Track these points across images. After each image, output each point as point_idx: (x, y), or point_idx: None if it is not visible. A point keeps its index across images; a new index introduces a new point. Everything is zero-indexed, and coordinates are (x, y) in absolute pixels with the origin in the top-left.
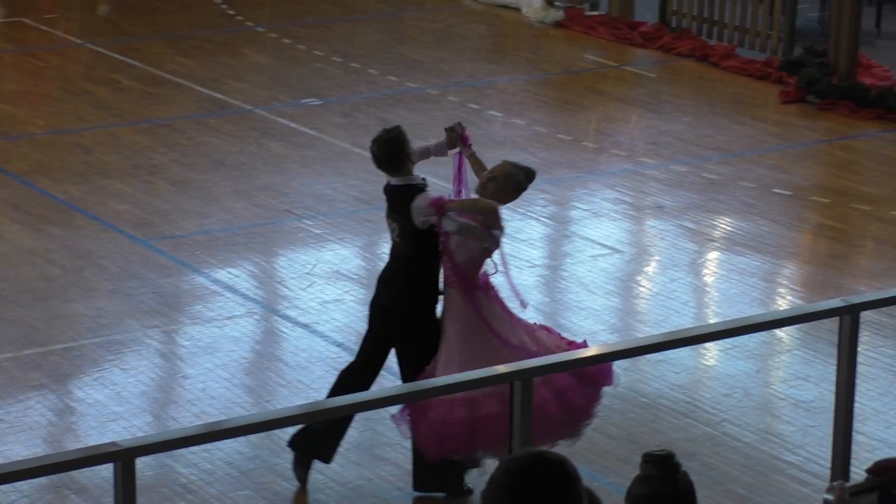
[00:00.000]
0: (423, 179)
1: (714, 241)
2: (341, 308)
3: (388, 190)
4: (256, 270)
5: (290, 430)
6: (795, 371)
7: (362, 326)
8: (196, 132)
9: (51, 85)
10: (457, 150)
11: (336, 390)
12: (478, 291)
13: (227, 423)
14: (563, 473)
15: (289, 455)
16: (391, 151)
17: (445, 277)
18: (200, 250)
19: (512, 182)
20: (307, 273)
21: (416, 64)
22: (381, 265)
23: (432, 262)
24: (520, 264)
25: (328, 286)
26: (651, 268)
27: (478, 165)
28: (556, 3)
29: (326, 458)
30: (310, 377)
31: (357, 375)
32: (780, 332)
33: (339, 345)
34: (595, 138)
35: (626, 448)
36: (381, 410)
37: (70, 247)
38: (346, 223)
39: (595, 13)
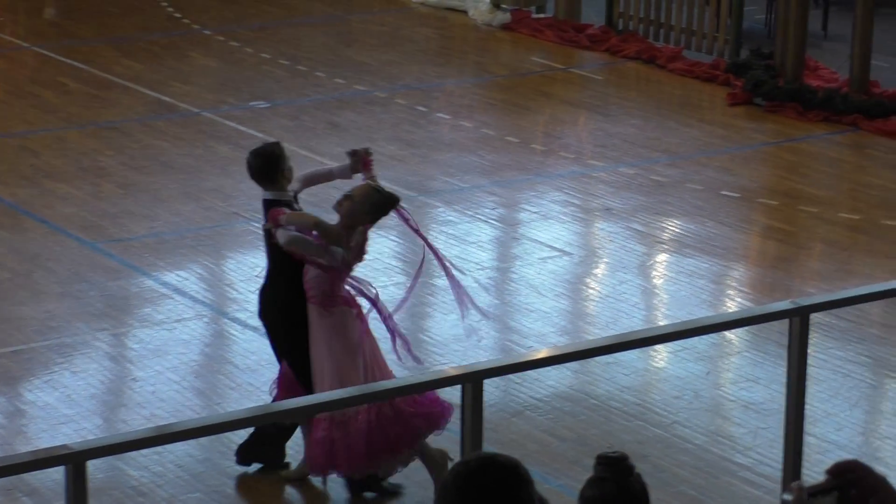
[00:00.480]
0: (294, 195)
1: (663, 243)
2: None
3: (263, 203)
4: (205, 273)
5: (241, 436)
6: (745, 373)
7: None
8: (143, 135)
9: None
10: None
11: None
12: (336, 308)
13: (177, 426)
14: (515, 476)
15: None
16: (265, 165)
17: (306, 294)
18: (149, 253)
19: (367, 204)
20: (256, 276)
21: (363, 66)
22: None
23: (295, 278)
24: (469, 266)
25: None
26: (600, 270)
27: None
28: (503, 6)
29: (278, 460)
30: (260, 380)
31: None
32: (729, 335)
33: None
34: (543, 141)
35: (576, 450)
36: None
37: (18, 250)
38: None
39: (542, 16)
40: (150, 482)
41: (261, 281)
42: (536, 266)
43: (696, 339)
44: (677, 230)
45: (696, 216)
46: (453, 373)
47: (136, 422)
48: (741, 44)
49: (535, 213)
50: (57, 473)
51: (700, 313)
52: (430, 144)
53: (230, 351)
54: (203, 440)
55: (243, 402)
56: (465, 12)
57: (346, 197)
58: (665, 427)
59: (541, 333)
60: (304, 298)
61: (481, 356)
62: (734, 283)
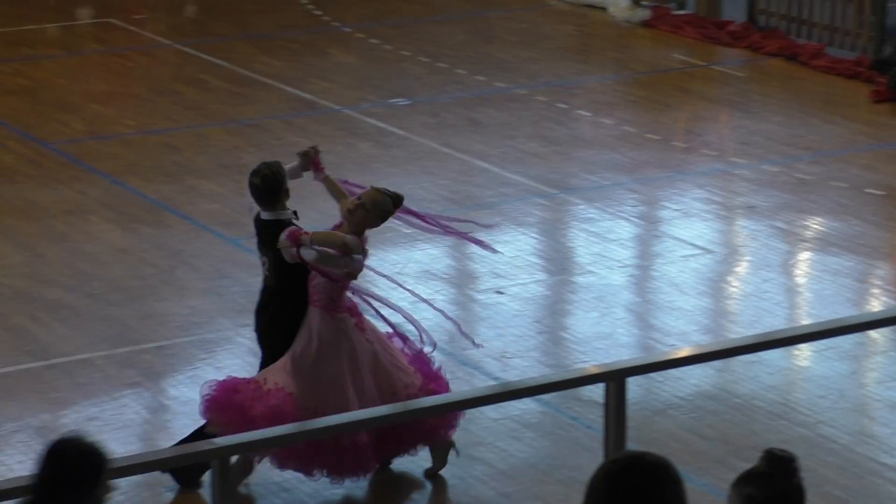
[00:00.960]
0: (294, 213)
1: (806, 241)
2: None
3: (259, 223)
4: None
5: None
6: (891, 373)
7: (453, 326)
8: (284, 132)
9: (140, 85)
10: (314, 172)
11: None
12: (338, 314)
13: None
14: (664, 475)
15: None
16: (273, 187)
17: (309, 297)
18: None
19: (379, 210)
20: (397, 272)
21: (503, 63)
22: (471, 265)
23: (301, 295)
24: (610, 264)
25: (418, 285)
26: (743, 268)
27: (334, 188)
28: (643, 3)
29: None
30: None
31: None
32: (874, 334)
33: (431, 344)
34: (684, 138)
35: (720, 449)
36: (474, 411)
37: (161, 246)
38: None
39: (682, 12)
40: (295, 478)
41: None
42: (678, 264)
43: (840, 338)
44: (821, 228)
45: (841, 214)
46: (595, 371)
47: None
48: (884, 40)
49: (676, 210)
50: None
51: (844, 312)
52: (570, 141)
53: None
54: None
55: None
56: (604, 9)
57: (359, 206)
58: (810, 427)
59: (683, 332)
60: (299, 320)
61: (623, 354)
62: (879, 282)
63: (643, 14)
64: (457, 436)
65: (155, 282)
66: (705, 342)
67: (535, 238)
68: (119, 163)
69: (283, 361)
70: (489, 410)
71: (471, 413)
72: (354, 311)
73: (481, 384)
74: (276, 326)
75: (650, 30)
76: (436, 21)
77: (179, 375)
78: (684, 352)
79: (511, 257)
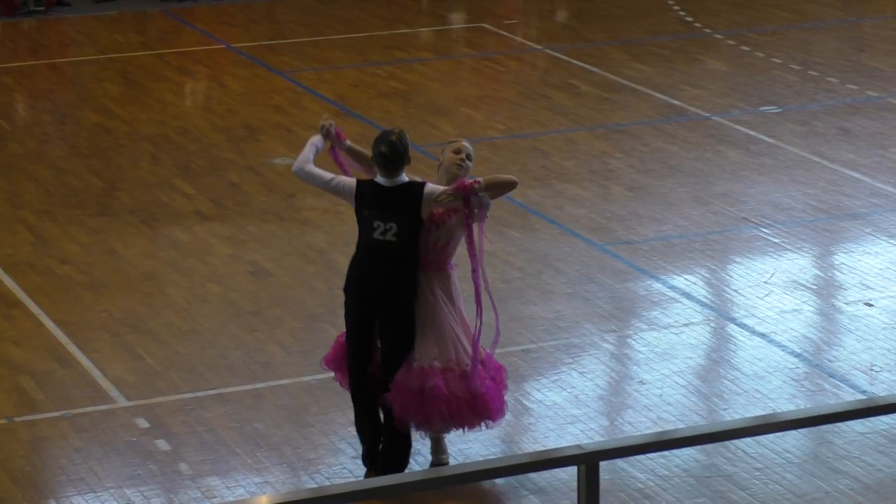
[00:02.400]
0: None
1: None
2: (799, 318)
3: (385, 192)
4: (712, 278)
5: (747, 443)
6: None
7: (821, 338)
8: (653, 138)
9: (509, 90)
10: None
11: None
12: (452, 271)
13: (684, 432)
14: None
15: (745, 464)
16: (404, 154)
17: (423, 262)
18: (657, 256)
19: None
20: (765, 282)
21: (876, 72)
22: (839, 276)
23: (417, 255)
24: None
25: (786, 296)
26: None
27: (358, 153)
28: None
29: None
30: (767, 387)
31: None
32: None
33: (797, 355)
34: None
35: None
36: (840, 425)
37: (528, 250)
38: (803, 232)
39: None
40: (656, 485)
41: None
42: None
43: None
44: None
45: None
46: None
47: (642, 424)
48: None
49: None
50: (563, 473)
51: None
52: None
53: (736, 357)
54: (708, 445)
55: (749, 408)
56: None
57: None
58: None
59: None
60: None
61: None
62: None
63: None
64: (821, 448)
65: (521, 285)
66: None
67: None
68: (488, 166)
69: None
70: (855, 424)
71: (836, 427)
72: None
73: (848, 397)
74: (405, 298)
75: None
76: (807, 28)
77: (543, 379)
78: None
79: (881, 269)
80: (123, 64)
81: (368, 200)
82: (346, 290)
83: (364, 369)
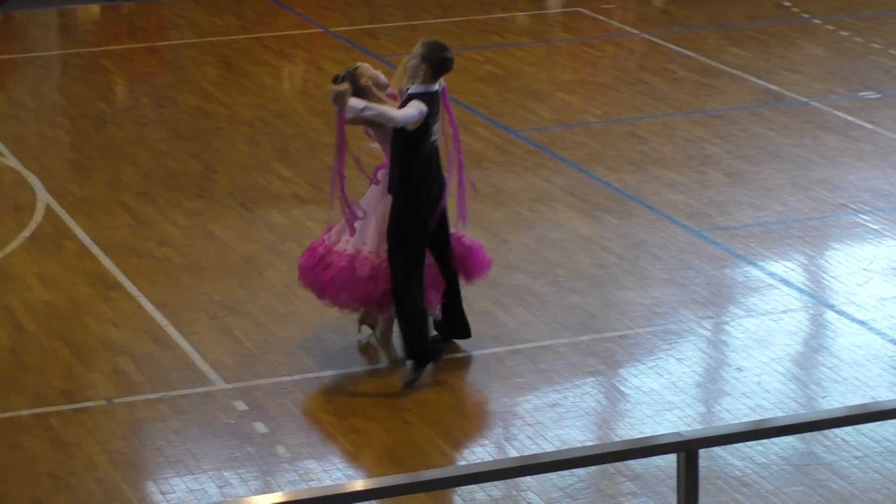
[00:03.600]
0: None
1: None
2: None
3: (435, 96)
4: (811, 264)
5: (847, 431)
6: None
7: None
8: (750, 124)
9: (606, 74)
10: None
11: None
12: None
13: (782, 420)
14: None
15: (844, 453)
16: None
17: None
18: (755, 242)
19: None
20: (864, 269)
21: None
22: None
23: None
24: None
25: (885, 283)
26: None
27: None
28: None
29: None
30: (866, 374)
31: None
32: None
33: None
34: None
35: None
36: None
37: (625, 235)
38: None
39: None
40: (754, 473)
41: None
42: None
43: None
44: None
45: None
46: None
47: (740, 412)
48: None
49: None
50: (660, 460)
51: None
52: None
53: (836, 344)
54: (807, 433)
55: (848, 396)
56: None
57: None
58: None
59: None
60: None
61: None
62: None
63: None
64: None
65: (618, 271)
66: None
67: None
68: (585, 151)
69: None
70: None
71: None
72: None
73: None
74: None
75: None
76: None
77: (640, 365)
78: None
79: None
80: (222, 47)
81: (431, 109)
82: (420, 204)
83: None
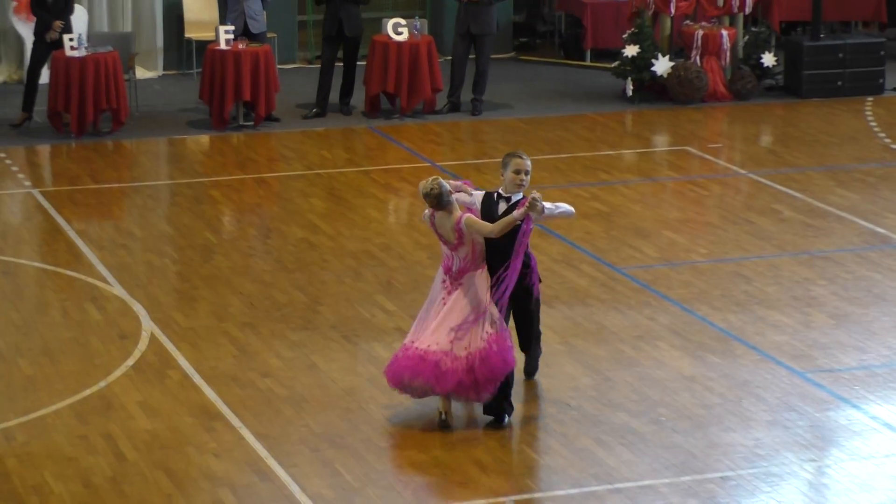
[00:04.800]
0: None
1: None
2: None
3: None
4: None
5: None
6: None
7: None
8: (856, 266)
9: (712, 213)
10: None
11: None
12: None
13: None
14: None
15: None
16: None
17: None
18: (859, 385)
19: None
20: None
21: None
22: None
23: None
24: None
25: None
26: None
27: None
28: None
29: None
30: None
31: None
32: None
33: None
34: None
35: None
36: None
37: (728, 375)
38: None
39: None
40: None
41: None
42: None
43: None
44: None
45: None
46: None
47: None
48: None
49: None
50: None
51: None
52: None
53: None
54: None
55: None
56: None
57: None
58: None
59: None
60: None
61: None
62: None
63: None
64: None
65: (721, 411)
66: None
67: None
68: (690, 290)
69: None
70: None
71: None
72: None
73: None
74: None
75: None
76: None
77: None
78: None
79: None
80: (329, 179)
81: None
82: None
83: None
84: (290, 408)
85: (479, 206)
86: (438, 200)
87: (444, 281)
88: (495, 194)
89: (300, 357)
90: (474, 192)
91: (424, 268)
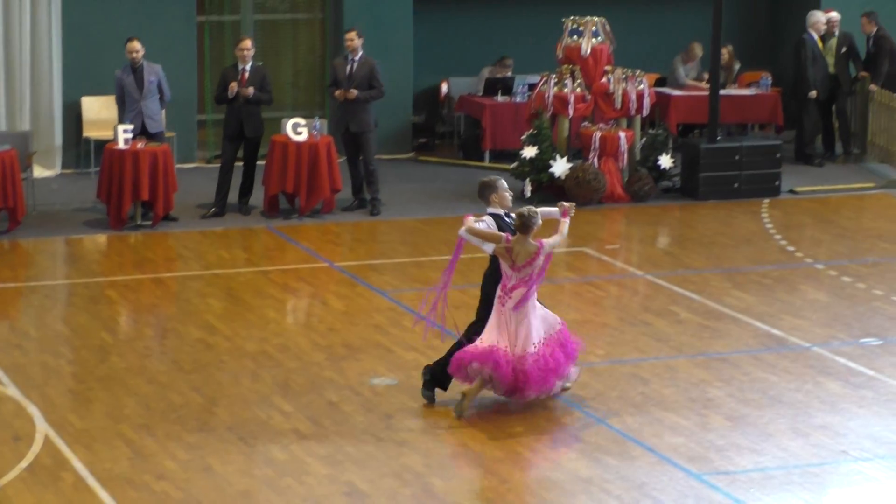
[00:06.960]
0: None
1: None
2: None
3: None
4: None
5: None
6: None
7: None
8: (752, 367)
9: (610, 315)
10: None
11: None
12: None
13: None
14: None
15: None
16: None
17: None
18: (755, 487)
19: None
20: None
21: None
22: None
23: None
24: None
25: None
26: None
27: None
28: None
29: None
30: None
31: None
32: None
33: None
34: None
35: None
36: None
37: (626, 477)
38: None
39: None
40: None
41: None
42: None
43: None
44: None
45: None
46: None
47: None
48: None
49: None
50: None
51: None
52: None
53: None
54: None
55: None
56: None
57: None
58: None
59: None
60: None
61: None
62: None
63: None
64: None
65: None
66: None
67: None
68: (587, 391)
69: None
70: None
71: None
72: None
73: None
74: None
75: None
76: None
77: None
78: None
79: None
80: (227, 280)
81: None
82: None
83: None
84: None
85: (495, 227)
86: (530, 225)
87: (499, 297)
88: (503, 213)
89: (196, 459)
90: (484, 219)
91: (322, 368)
